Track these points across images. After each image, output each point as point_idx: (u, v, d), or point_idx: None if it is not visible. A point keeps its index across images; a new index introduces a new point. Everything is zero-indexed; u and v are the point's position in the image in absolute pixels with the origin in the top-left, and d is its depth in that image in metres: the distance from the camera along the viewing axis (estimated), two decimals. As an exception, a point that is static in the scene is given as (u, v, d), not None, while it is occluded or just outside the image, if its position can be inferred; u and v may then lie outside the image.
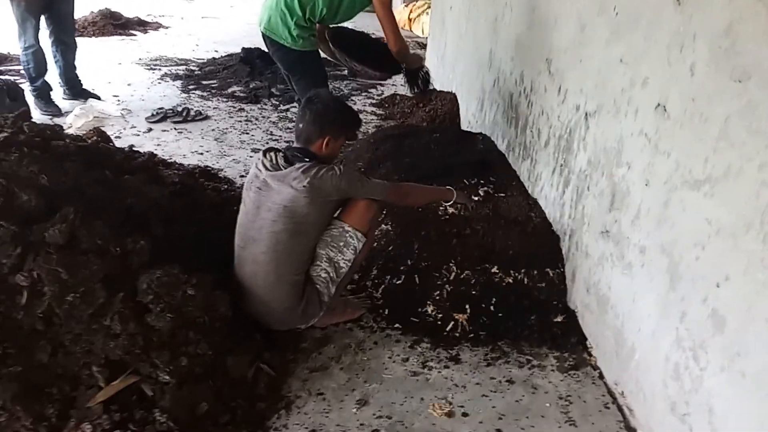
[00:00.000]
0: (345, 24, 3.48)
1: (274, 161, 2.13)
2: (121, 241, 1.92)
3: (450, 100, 4.74)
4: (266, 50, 5.82)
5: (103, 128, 3.60)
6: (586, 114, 2.30)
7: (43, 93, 4.35)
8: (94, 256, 1.84)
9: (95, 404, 1.69)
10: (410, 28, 8.42)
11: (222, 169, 3.53)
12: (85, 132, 2.49)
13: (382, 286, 2.48)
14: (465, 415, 1.97)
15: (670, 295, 1.73)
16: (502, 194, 2.89)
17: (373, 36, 3.82)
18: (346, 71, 5.75)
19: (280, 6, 3.01)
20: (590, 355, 2.28)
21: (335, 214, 2.18)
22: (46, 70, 4.36)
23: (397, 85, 5.31)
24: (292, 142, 2.26)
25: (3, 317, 1.69)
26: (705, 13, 1.58)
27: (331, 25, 3.38)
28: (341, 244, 2.15)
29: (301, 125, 2.16)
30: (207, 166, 3.44)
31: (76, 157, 2.08)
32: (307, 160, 2.10)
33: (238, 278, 2.15)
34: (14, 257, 1.74)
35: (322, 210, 2.09)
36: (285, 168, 2.08)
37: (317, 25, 3.23)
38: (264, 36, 3.18)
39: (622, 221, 2.01)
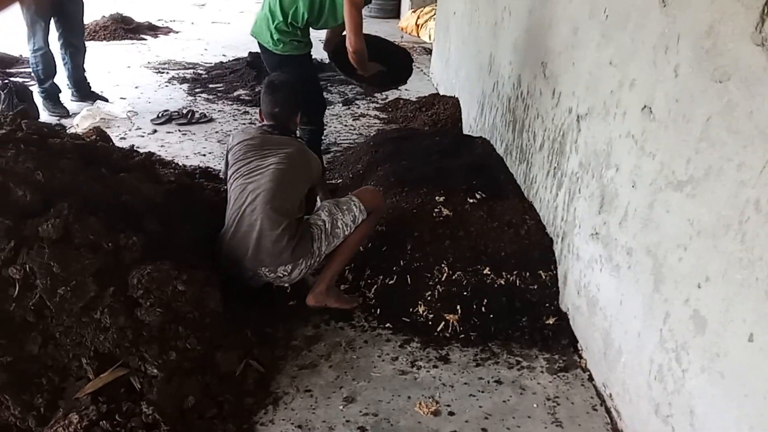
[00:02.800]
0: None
1: (269, 133, 2.45)
2: (113, 237, 1.96)
3: (452, 104, 4.76)
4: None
5: (107, 129, 3.66)
6: (578, 117, 2.31)
7: (51, 95, 4.43)
8: (87, 250, 1.89)
9: (83, 395, 1.72)
10: (417, 34, 8.45)
11: (223, 171, 3.57)
12: (84, 131, 2.54)
13: (375, 286, 2.50)
14: (451, 414, 1.98)
15: (654, 296, 1.74)
16: (498, 197, 2.90)
17: (386, 38, 3.61)
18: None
19: (265, 10, 3.02)
20: (580, 357, 2.28)
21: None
22: (54, 72, 4.43)
23: (401, 90, 5.33)
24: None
25: (-5, 309, 1.73)
26: (688, 14, 1.59)
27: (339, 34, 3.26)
28: (344, 207, 2.37)
29: (276, 109, 2.48)
30: (208, 167, 3.48)
31: (73, 155, 2.13)
32: (293, 135, 2.54)
33: (233, 218, 2.26)
34: (7, 250, 1.79)
35: (310, 170, 2.45)
36: (279, 136, 2.46)
37: (310, 29, 3.16)
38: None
39: (611, 223, 2.02)
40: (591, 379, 2.18)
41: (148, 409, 1.73)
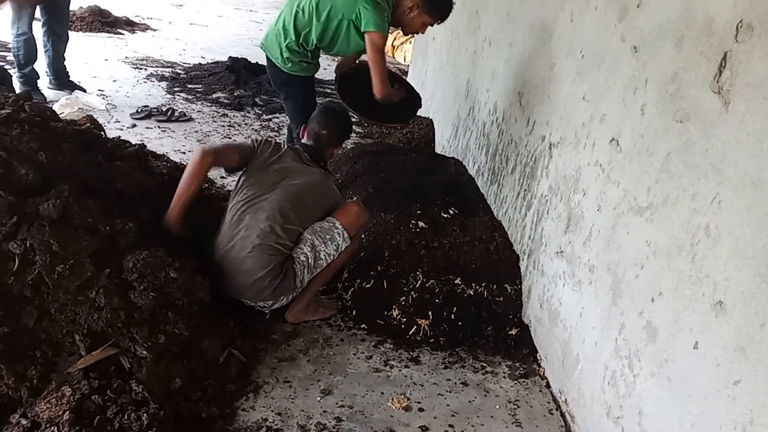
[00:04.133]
0: None
1: (299, 156, 2.46)
2: (110, 221, 2.03)
3: (426, 125, 4.97)
4: (252, 61, 5.98)
5: (89, 119, 3.67)
6: (550, 144, 2.52)
7: (29, 80, 4.40)
8: (85, 232, 1.95)
9: (75, 370, 1.78)
10: (393, 55, 8.69)
11: (203, 169, 3.64)
12: (78, 119, 2.59)
13: (352, 289, 2.62)
14: (421, 410, 2.12)
15: (612, 309, 1.93)
16: (470, 214, 3.08)
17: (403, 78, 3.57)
18: (330, 89, 5.94)
19: (278, 26, 3.01)
20: (539, 366, 2.46)
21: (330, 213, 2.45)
22: (35, 58, 4.41)
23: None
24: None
25: (-6, 281, 1.78)
26: (656, 61, 1.81)
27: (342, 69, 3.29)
28: (327, 237, 2.34)
29: (324, 131, 2.51)
30: (189, 165, 3.55)
31: (73, 139, 2.19)
32: (323, 164, 2.53)
33: (223, 245, 2.25)
34: (9, 226, 1.84)
35: (321, 206, 2.42)
36: (307, 163, 2.44)
37: (320, 52, 3.13)
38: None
39: (575, 242, 2.22)
40: (548, 386, 2.36)
41: (138, 387, 1.80)
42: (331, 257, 2.36)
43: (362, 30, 2.81)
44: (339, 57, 3.32)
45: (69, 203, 1.96)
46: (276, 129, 4.72)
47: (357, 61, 3.29)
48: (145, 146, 2.65)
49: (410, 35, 3.21)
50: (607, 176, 2.04)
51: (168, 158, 2.87)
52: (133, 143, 2.62)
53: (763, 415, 1.28)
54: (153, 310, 1.96)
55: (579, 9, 2.39)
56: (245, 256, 2.21)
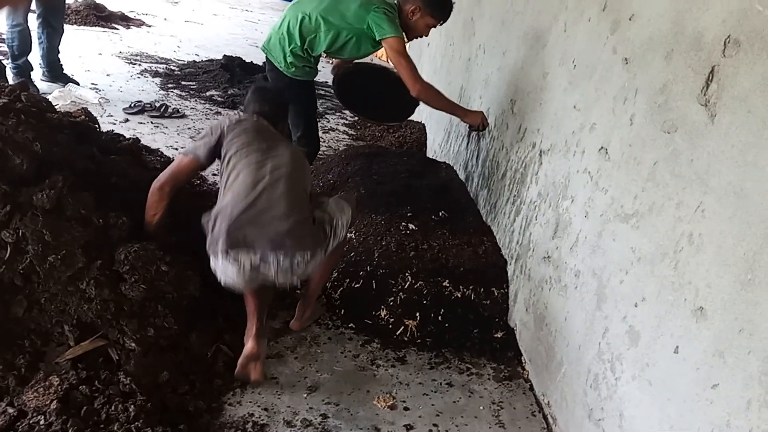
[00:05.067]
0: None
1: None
2: (104, 214, 2.04)
3: (419, 129, 5.01)
4: (247, 60, 6.00)
5: (82, 112, 3.67)
6: (541, 151, 2.57)
7: (23, 72, 4.38)
8: (78, 223, 1.96)
9: (64, 361, 1.79)
10: (387, 59, 8.75)
11: (195, 166, 3.64)
12: (73, 111, 2.59)
13: (341, 288, 2.65)
14: (406, 409, 2.15)
15: (596, 313, 1.97)
16: (459, 218, 3.12)
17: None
18: (324, 90, 5.96)
19: (282, 29, 2.96)
20: (524, 369, 2.49)
21: None
22: (29, 50, 4.39)
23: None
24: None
25: (-15, 269, 1.78)
26: (646, 73, 1.86)
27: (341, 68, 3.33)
28: (339, 209, 2.30)
29: (267, 107, 2.40)
30: (181, 161, 3.55)
31: (69, 131, 2.20)
32: None
33: (243, 196, 2.02)
34: (2, 214, 1.84)
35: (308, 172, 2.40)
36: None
37: (327, 58, 3.12)
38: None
39: (563, 248, 2.26)
40: (532, 388, 2.39)
41: (125, 379, 1.81)
42: (344, 229, 2.28)
43: (378, 38, 2.80)
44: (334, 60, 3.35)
45: (63, 194, 1.97)
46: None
47: (353, 62, 3.32)
48: (140, 140, 2.66)
49: (410, 41, 3.22)
50: (595, 183, 2.08)
51: (161, 153, 2.88)
52: (127, 137, 2.62)
53: (739, 417, 1.32)
54: (143, 302, 1.97)
55: (572, 20, 2.44)
56: (282, 197, 2.03)
